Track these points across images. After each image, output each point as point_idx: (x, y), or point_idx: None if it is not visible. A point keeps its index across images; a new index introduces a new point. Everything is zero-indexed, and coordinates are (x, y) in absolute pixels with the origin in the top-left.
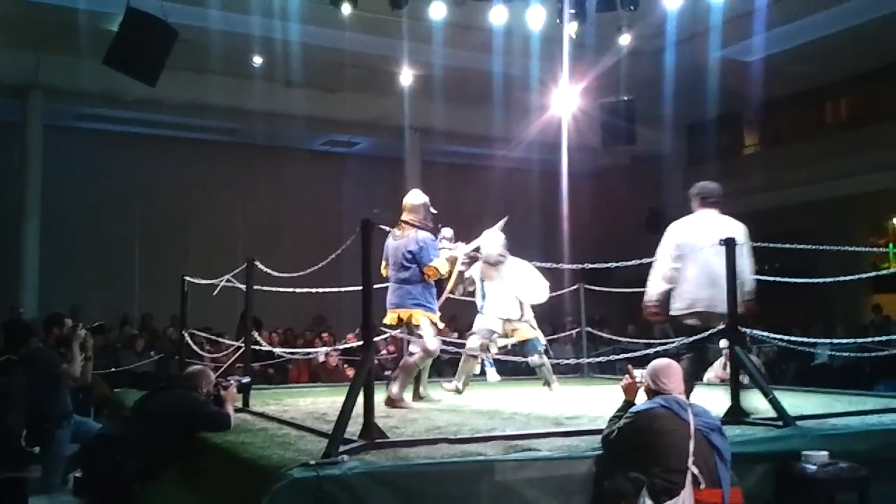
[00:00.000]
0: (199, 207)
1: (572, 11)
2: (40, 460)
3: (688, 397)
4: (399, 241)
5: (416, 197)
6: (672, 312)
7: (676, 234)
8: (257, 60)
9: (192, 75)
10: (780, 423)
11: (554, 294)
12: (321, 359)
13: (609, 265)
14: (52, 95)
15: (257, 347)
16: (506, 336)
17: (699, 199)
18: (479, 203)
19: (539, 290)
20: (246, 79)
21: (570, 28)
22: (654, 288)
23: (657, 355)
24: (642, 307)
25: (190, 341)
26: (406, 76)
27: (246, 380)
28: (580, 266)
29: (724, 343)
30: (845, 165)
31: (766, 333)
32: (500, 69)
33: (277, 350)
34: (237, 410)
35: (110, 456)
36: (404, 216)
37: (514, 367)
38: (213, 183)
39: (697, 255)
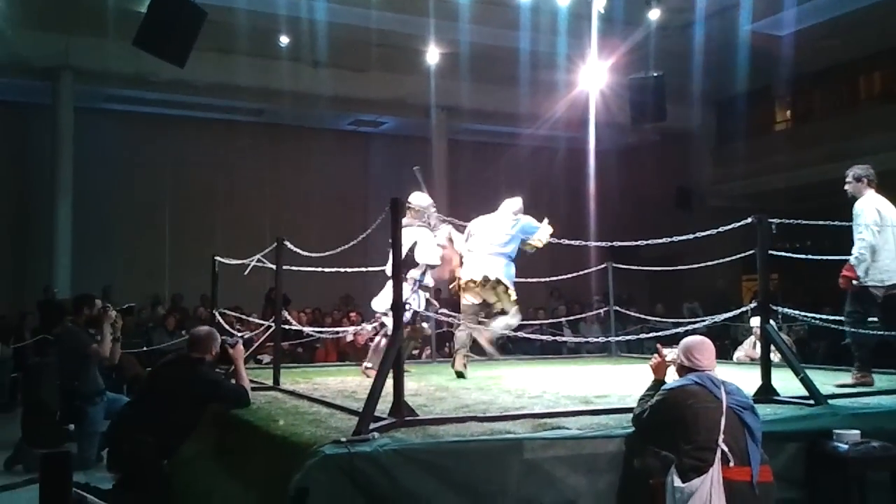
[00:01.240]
0: (227, 188)
1: None
2: (75, 437)
3: None
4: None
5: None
6: (870, 283)
7: (875, 209)
8: (284, 40)
9: (219, 56)
10: (812, 401)
11: (581, 272)
12: (349, 338)
13: (637, 243)
14: (83, 77)
15: (287, 326)
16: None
17: (867, 181)
18: (505, 181)
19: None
20: (273, 59)
21: (599, 3)
22: (859, 256)
23: (686, 334)
24: (845, 273)
25: (220, 320)
26: (433, 54)
27: (247, 335)
28: (608, 244)
29: (755, 321)
30: (879, 141)
31: (797, 312)
32: (528, 46)
33: (307, 329)
34: (267, 388)
35: (132, 434)
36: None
37: (541, 346)
38: (241, 163)
39: (888, 231)
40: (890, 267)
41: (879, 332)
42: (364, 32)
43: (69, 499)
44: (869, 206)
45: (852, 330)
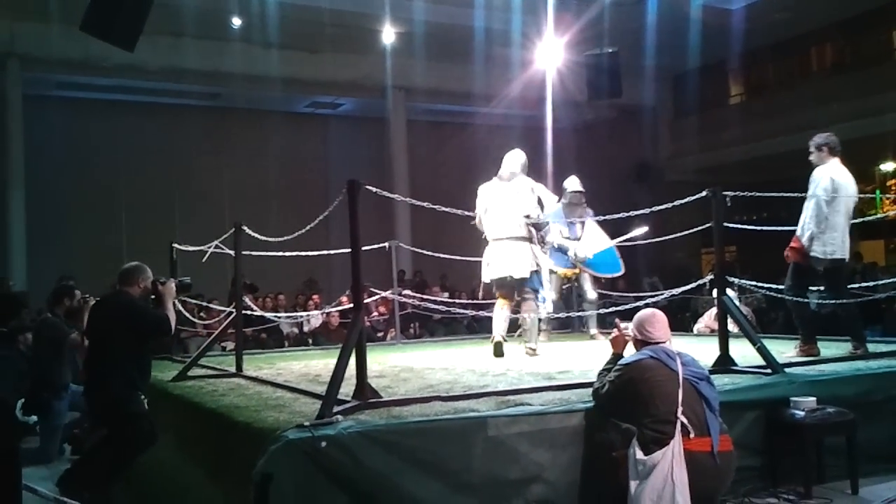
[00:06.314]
0: (184, 173)
1: None
2: (36, 431)
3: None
4: None
5: None
6: (812, 253)
7: (830, 178)
8: (236, 22)
9: (170, 39)
10: (769, 370)
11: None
12: (315, 322)
13: (597, 219)
14: (30, 64)
15: (249, 312)
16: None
17: (828, 149)
18: (463, 161)
19: None
20: (225, 41)
21: None
22: (804, 225)
23: (646, 307)
24: (793, 245)
25: (181, 308)
26: (388, 34)
27: (187, 279)
28: (568, 221)
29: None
30: (831, 112)
31: (752, 283)
32: (483, 24)
33: (269, 314)
34: (229, 375)
35: (97, 380)
36: None
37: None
38: (197, 148)
39: (840, 202)
40: (835, 241)
41: (820, 302)
42: (317, 12)
43: (18, 494)
44: (824, 175)
45: (794, 300)
